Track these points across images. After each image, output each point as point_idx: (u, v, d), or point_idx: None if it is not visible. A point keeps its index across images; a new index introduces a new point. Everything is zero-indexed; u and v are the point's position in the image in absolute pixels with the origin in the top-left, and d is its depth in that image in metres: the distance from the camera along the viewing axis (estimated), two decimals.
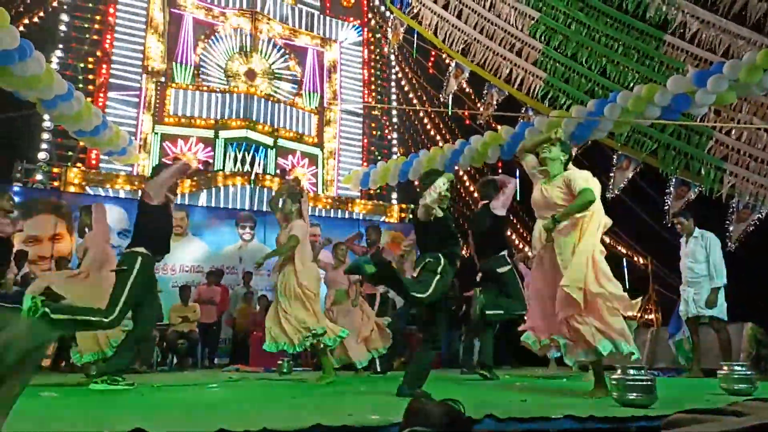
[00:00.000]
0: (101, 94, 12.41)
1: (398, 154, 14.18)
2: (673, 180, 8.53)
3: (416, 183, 13.56)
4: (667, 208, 8.52)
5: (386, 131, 15.46)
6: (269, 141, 13.49)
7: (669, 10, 8.17)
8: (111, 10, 12.91)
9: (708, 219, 5.95)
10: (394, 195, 14.74)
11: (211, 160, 13.06)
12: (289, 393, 3.64)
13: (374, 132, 15.29)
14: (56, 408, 2.84)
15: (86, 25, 12.80)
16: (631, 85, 8.23)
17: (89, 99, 8.60)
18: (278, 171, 13.38)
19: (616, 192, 8.94)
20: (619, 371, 2.94)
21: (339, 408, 2.63)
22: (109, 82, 12.58)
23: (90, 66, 12.62)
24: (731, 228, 8.16)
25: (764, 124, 7.92)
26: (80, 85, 11.52)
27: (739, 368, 3.74)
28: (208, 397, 3.60)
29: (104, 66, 12.62)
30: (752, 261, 7.53)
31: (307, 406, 2.72)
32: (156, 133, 12.90)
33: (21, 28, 9.01)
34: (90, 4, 12.97)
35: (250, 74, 13.97)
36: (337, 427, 1.94)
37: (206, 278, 9.68)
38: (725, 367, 3.77)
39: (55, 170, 11.57)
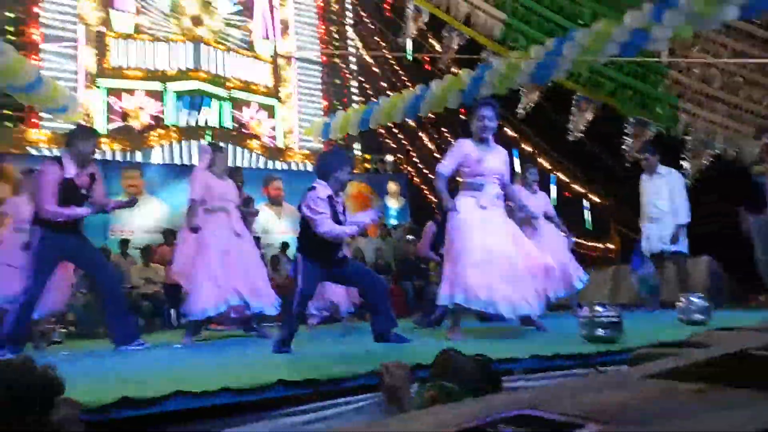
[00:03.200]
0: (34, 51, 11.54)
1: (359, 103, 13.84)
2: (632, 120, 8.60)
3: (378, 131, 13.37)
4: (625, 147, 8.62)
5: (345, 80, 15.02)
6: (223, 92, 12.91)
7: None
8: None
9: (664, 157, 6.00)
10: (357, 145, 14.49)
11: (161, 115, 12.46)
12: (259, 351, 3.55)
13: (333, 81, 14.84)
14: None
15: None
16: (589, 23, 8.13)
17: (22, 53, 7.99)
18: (235, 124, 12.91)
19: (577, 134, 8.97)
20: (585, 308, 2.95)
21: (308, 362, 2.55)
22: (44, 33, 11.70)
23: (21, 16, 11.68)
24: (687, 165, 8.34)
25: (715, 60, 7.99)
26: (9, 37, 10.67)
27: (695, 300, 3.83)
28: (170, 357, 3.47)
29: (33, 13, 11.66)
30: (707, 196, 7.72)
31: (275, 362, 2.63)
32: (99, 87, 12.15)
33: None
34: None
35: (197, 21, 13.21)
36: (300, 381, 1.85)
37: (164, 238, 9.33)
38: (683, 299, 3.86)
39: None
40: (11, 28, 11.33)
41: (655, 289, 5.81)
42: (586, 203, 11.83)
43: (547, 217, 5.44)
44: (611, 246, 11.77)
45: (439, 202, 4.49)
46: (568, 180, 12.22)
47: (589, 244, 12.38)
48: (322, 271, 3.47)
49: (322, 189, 3.46)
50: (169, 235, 9.23)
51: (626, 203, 10.00)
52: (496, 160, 3.71)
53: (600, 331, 2.82)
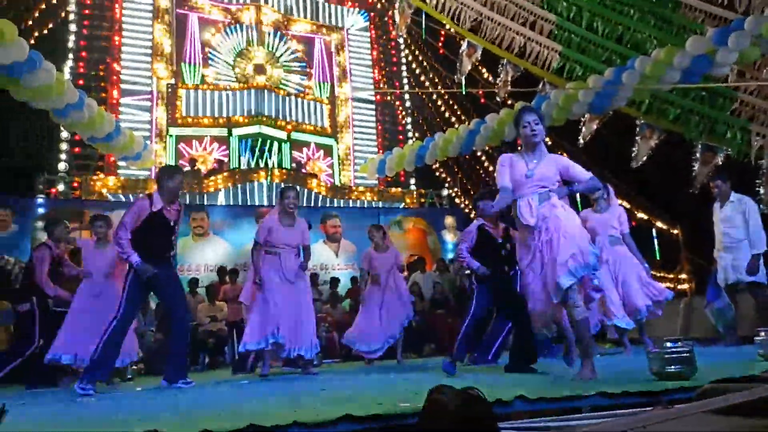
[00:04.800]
0: (114, 100, 12.51)
1: (413, 139, 14.04)
2: (699, 146, 8.29)
3: (434, 167, 13.47)
4: (694, 174, 8.29)
5: (400, 117, 15.31)
6: (283, 135, 13.47)
7: None
8: (116, 28, 12.95)
9: (737, 183, 5.74)
10: (413, 180, 14.63)
11: (226, 159, 13.10)
12: (319, 385, 3.61)
13: (387, 118, 15.17)
14: (92, 408, 2.85)
15: (96, 33, 12.89)
16: (649, 52, 7.99)
17: (103, 106, 8.67)
18: (293, 165, 13.36)
19: (640, 162, 8.73)
20: (656, 344, 2.84)
21: (368, 398, 2.59)
22: (121, 88, 12.67)
23: (101, 74, 12.72)
24: (762, 190, 7.92)
25: None
26: (92, 93, 11.64)
27: None
28: (238, 393, 3.59)
29: (114, 71, 12.70)
30: None
31: (338, 397, 2.68)
32: (171, 136, 12.97)
33: (32, 41, 9.11)
34: (96, 12, 13.04)
35: (259, 69, 13.94)
36: (366, 416, 1.90)
37: (227, 277, 9.59)
38: (762, 333, 3.64)
39: (77, 179, 11.71)
40: (93, 85, 12.35)
41: (732, 322, 5.50)
42: (653, 232, 11.39)
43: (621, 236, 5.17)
44: (683, 276, 11.22)
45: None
46: (633, 209, 11.83)
47: (659, 275, 11.85)
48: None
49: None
50: (223, 273, 9.50)
51: (697, 232, 9.56)
52: (545, 167, 3.45)
53: (671, 368, 2.71)
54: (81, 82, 11.88)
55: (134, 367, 6.86)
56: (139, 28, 13.14)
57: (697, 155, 8.40)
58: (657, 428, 0.86)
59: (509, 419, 2.05)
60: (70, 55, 12.50)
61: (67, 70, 12.07)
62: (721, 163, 8.20)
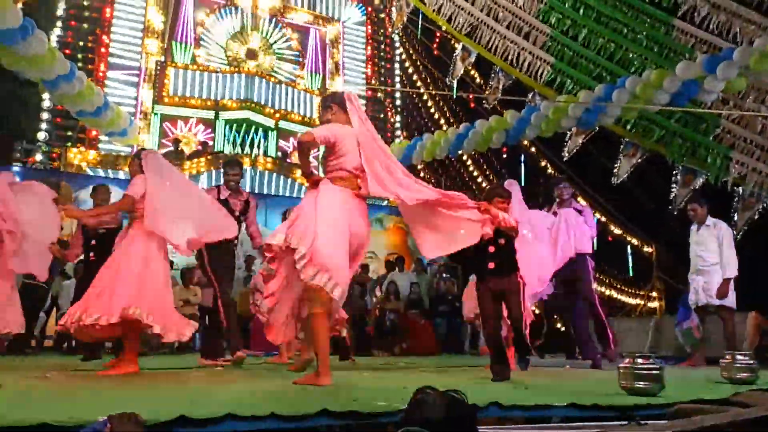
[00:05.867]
0: (101, 73, 12.28)
1: (401, 138, 14.07)
2: (680, 168, 8.47)
3: (419, 167, 13.51)
4: (673, 195, 8.47)
5: (389, 114, 15.32)
6: (270, 123, 13.37)
7: None
8: None
9: (714, 207, 5.89)
10: None
11: (210, 142, 12.96)
12: (294, 377, 3.61)
13: (378, 115, 15.17)
14: (61, 392, 2.82)
15: (85, 3, 12.64)
16: (639, 71, 8.13)
17: (89, 79, 8.51)
18: (279, 153, 13.28)
19: (621, 179, 8.88)
20: (627, 360, 2.91)
21: (345, 393, 2.61)
22: (109, 61, 12.44)
23: (89, 45, 12.47)
24: (736, 216, 8.12)
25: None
26: (79, 65, 11.42)
27: (741, 357, 3.71)
28: (212, 381, 3.58)
29: (103, 44, 12.46)
30: (756, 249, 7.49)
31: (314, 391, 2.69)
32: (156, 114, 12.78)
33: (19, 5, 8.89)
34: None
35: (251, 54, 13.81)
36: (344, 412, 1.91)
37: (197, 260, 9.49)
38: (728, 356, 3.74)
39: (55, 150, 11.48)
40: (80, 56, 12.11)
41: (699, 343, 5.64)
42: (629, 249, 11.60)
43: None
44: (653, 294, 11.45)
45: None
46: (609, 223, 12.03)
47: (630, 290, 12.09)
48: None
49: None
50: (201, 257, 9.40)
51: (671, 252, 9.77)
52: None
53: (640, 383, 2.77)
54: (68, 51, 11.64)
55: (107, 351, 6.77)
56: (132, 2, 12.91)
57: (678, 177, 8.58)
58: None
59: (482, 425, 2.08)
60: (59, 23, 12.24)
61: (54, 38, 11.81)
62: (699, 186, 8.39)
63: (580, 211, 5.28)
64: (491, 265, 3.73)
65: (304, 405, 1.99)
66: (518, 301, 3.71)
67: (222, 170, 5.14)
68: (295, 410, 1.87)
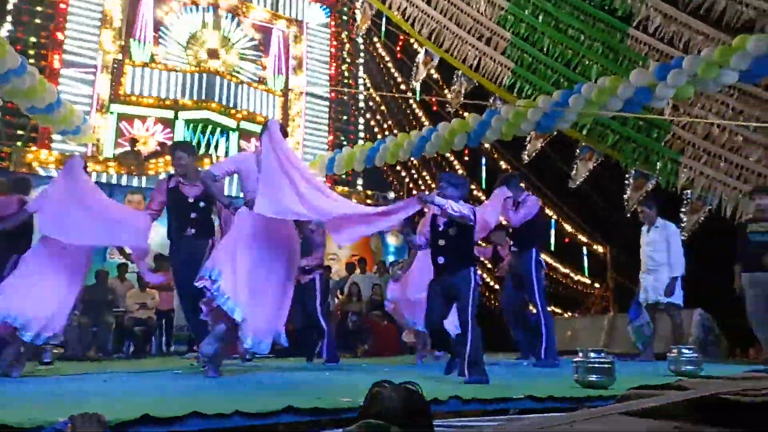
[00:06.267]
0: (55, 74, 11.88)
1: (364, 140, 14.11)
2: (633, 172, 8.79)
3: (382, 168, 13.59)
4: (626, 198, 8.79)
5: (353, 116, 15.35)
6: (232, 124, 13.20)
7: (634, 3, 8.35)
8: None
9: (663, 209, 6.16)
10: (360, 181, 14.69)
11: (169, 142, 12.70)
12: (255, 378, 3.62)
13: (341, 117, 15.17)
14: (19, 394, 2.75)
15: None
16: (595, 77, 8.41)
17: (42, 75, 8.23)
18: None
19: (577, 182, 9.16)
20: (580, 354, 3.04)
21: (307, 392, 2.63)
22: (63, 58, 12.06)
23: (42, 41, 12.06)
24: (684, 218, 8.49)
25: (718, 119, 8.23)
26: (31, 61, 11.03)
27: (686, 351, 3.92)
28: (175, 383, 3.55)
29: (57, 40, 12.07)
30: (703, 250, 7.84)
31: (278, 390, 2.71)
32: (111, 113, 12.45)
33: None
34: None
35: (213, 53, 13.61)
36: (308, 409, 1.94)
37: (160, 264, 9.28)
38: (674, 350, 3.95)
39: (5, 149, 11.05)
40: (32, 52, 11.70)
41: (649, 339, 5.88)
42: (584, 250, 11.95)
43: None
44: (606, 294, 11.84)
45: None
46: (567, 226, 12.37)
47: (585, 290, 12.46)
48: None
49: None
50: (162, 260, 9.20)
51: (624, 253, 10.12)
52: None
53: (592, 377, 2.91)
54: (19, 47, 11.23)
55: (54, 350, 6.55)
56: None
57: (630, 180, 8.92)
58: (581, 426, 0.97)
59: (443, 417, 2.15)
60: (9, 18, 11.80)
61: (4, 33, 11.38)
62: (650, 189, 8.73)
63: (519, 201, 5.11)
64: (440, 260, 3.54)
65: (269, 402, 2.01)
66: (464, 307, 3.44)
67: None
68: (260, 408, 1.89)
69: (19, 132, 11.60)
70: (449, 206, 3.43)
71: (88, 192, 4.22)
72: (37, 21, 12.08)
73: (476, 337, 3.41)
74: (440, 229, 3.61)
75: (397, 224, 3.77)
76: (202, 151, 12.67)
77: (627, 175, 8.92)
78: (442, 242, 3.58)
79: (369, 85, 15.64)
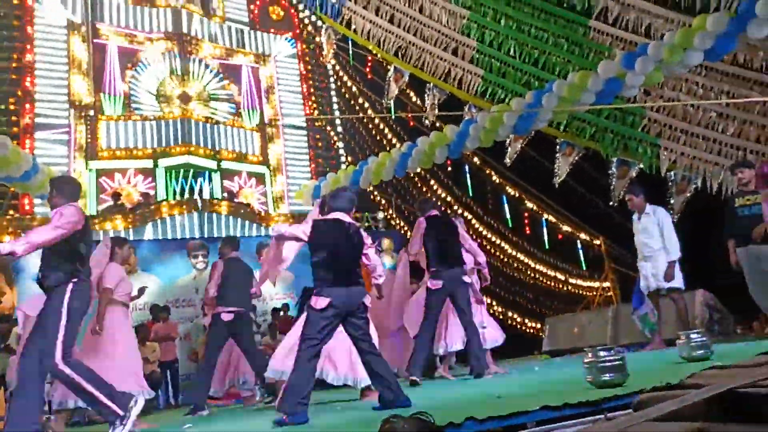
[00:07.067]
0: (27, 136, 11.81)
1: (346, 164, 14.12)
2: (615, 161, 8.85)
3: (368, 189, 13.59)
4: (612, 188, 8.83)
5: (332, 142, 15.38)
6: (213, 164, 13.17)
7: None
8: (28, 47, 12.35)
9: (651, 195, 6.17)
10: None
11: (152, 191, 12.62)
12: (270, 420, 3.52)
13: (320, 144, 15.19)
14: None
15: (4, 65, 12.20)
16: (564, 73, 8.49)
17: (15, 142, 8.16)
18: (225, 194, 13.08)
19: (561, 178, 9.20)
20: (590, 354, 2.98)
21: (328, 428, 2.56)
22: (35, 122, 12.00)
23: (12, 107, 12.01)
24: (672, 200, 8.54)
25: (690, 99, 8.32)
26: (4, 128, 10.97)
27: (695, 336, 3.86)
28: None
29: (27, 106, 12.03)
30: (694, 229, 7.87)
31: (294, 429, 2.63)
32: (90, 170, 12.38)
33: None
34: (5, 43, 12.37)
35: (184, 97, 13.61)
36: None
37: (156, 315, 9.15)
38: (682, 337, 3.89)
39: None
40: (2, 118, 11.65)
41: (655, 327, 5.84)
42: (578, 244, 11.97)
43: None
44: (607, 285, 11.83)
45: None
46: (559, 222, 12.40)
47: (585, 284, 12.43)
48: None
49: None
50: (158, 311, 9.10)
51: (619, 242, 10.14)
52: None
53: (605, 376, 2.85)
54: None
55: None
56: (53, 71, 12.48)
57: (613, 170, 8.97)
58: None
59: None
60: None
61: None
62: (635, 176, 8.78)
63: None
64: None
65: None
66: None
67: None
68: None
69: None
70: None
71: None
72: (4, 88, 12.03)
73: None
74: None
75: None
76: (186, 196, 12.61)
77: (609, 166, 8.98)
78: None
79: (344, 108, 15.72)
